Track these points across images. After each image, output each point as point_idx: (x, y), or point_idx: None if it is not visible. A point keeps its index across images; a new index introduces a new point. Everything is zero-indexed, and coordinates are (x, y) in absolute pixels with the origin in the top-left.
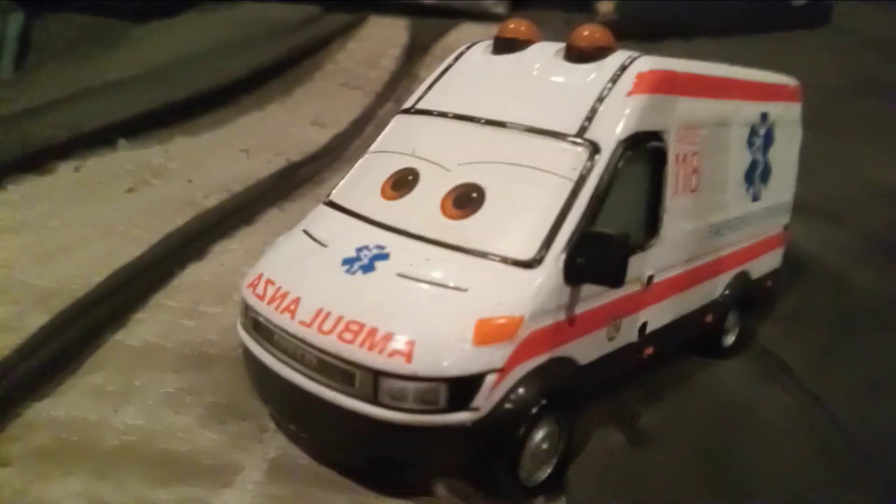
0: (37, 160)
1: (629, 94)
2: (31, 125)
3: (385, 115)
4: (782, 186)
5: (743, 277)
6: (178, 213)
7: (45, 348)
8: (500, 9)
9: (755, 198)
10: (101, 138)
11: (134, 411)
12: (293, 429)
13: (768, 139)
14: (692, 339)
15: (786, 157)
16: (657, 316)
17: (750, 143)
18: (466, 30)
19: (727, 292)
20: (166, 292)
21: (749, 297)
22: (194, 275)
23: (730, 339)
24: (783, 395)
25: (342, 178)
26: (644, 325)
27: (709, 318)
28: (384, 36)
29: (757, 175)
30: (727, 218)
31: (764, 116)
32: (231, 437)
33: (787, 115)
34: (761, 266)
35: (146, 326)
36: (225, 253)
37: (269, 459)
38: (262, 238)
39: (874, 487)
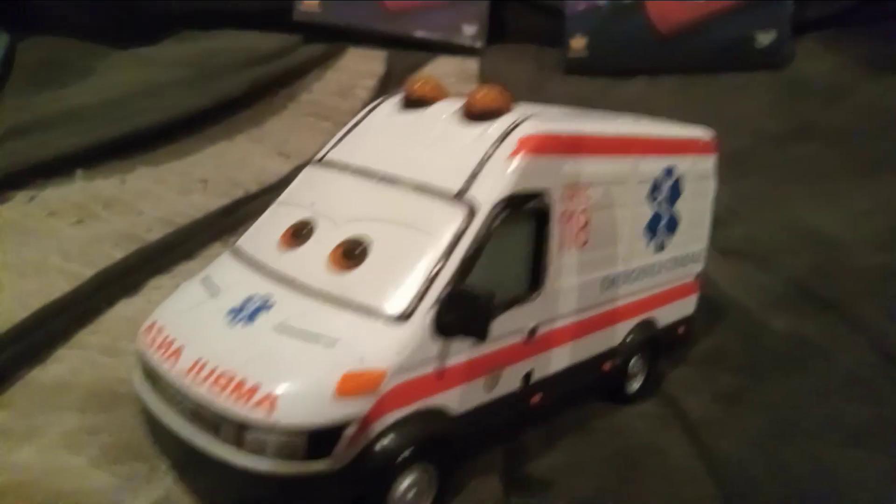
0: None
1: (510, 155)
2: None
3: None
4: (692, 237)
5: (647, 325)
6: (118, 246)
7: None
8: (476, 43)
9: (659, 248)
10: (60, 168)
11: (29, 450)
12: (180, 471)
13: (675, 192)
14: (594, 385)
15: (696, 208)
16: (543, 365)
17: (652, 198)
18: (442, 62)
19: (628, 340)
20: (91, 328)
21: (654, 343)
22: (122, 310)
23: (634, 386)
24: (679, 442)
25: (250, 226)
26: (528, 374)
27: (607, 366)
28: (360, 67)
29: (660, 228)
30: (623, 270)
31: (669, 171)
32: (121, 478)
33: (698, 168)
34: (669, 314)
35: (63, 364)
36: (156, 289)
37: (153, 500)
38: (198, 273)
39: None
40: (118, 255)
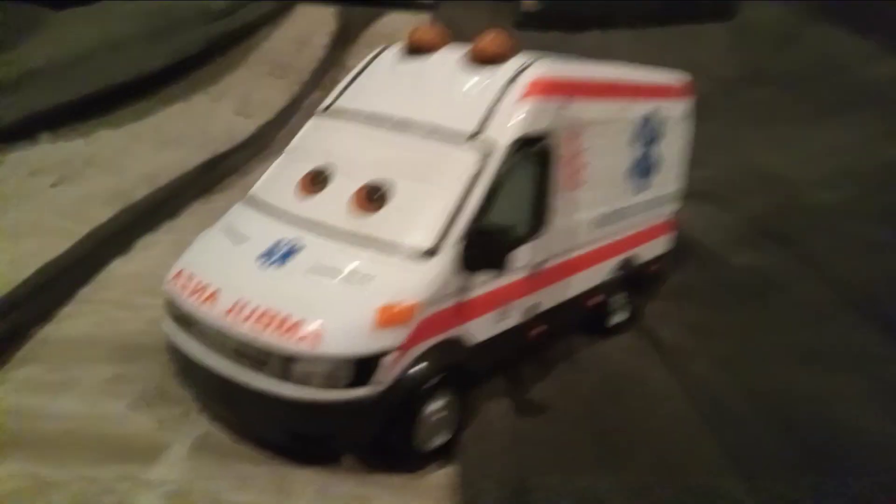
0: None
1: (521, 97)
2: None
3: (311, 105)
4: (669, 178)
5: (628, 263)
6: (105, 205)
7: None
8: None
9: (641, 189)
10: (23, 132)
11: (70, 398)
12: (216, 411)
13: (654, 135)
14: (582, 319)
15: (673, 150)
16: (545, 299)
17: (635, 140)
18: (394, 18)
19: (612, 277)
20: (98, 284)
21: (634, 280)
22: (123, 267)
23: (616, 319)
24: (655, 367)
25: (262, 175)
26: (532, 308)
27: (595, 300)
28: (312, 24)
29: (642, 169)
30: (611, 210)
31: (650, 114)
32: (159, 420)
33: (674, 112)
34: (647, 252)
35: (80, 319)
36: (150, 246)
37: (195, 437)
38: (187, 231)
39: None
40: (106, 214)
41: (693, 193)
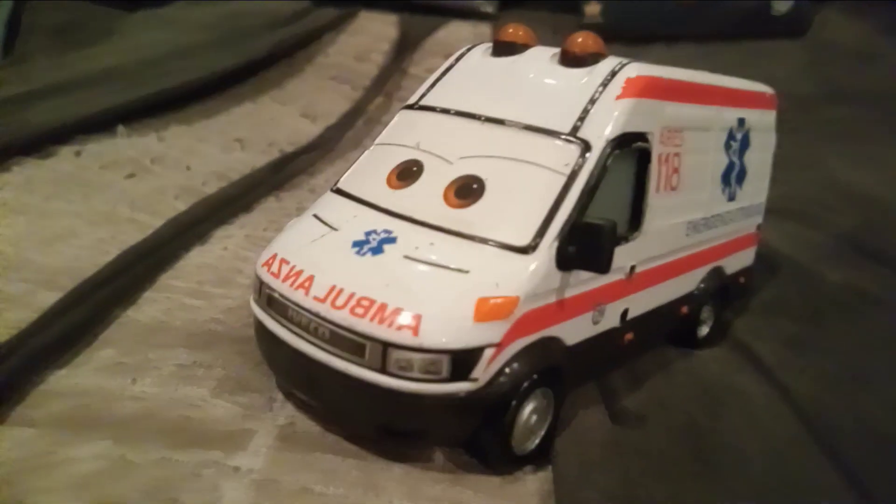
0: (38, 144)
1: (618, 97)
2: (30, 110)
3: (375, 110)
4: (756, 189)
5: (717, 272)
6: (178, 198)
7: (58, 323)
8: (489, 8)
9: (731, 198)
10: (100, 124)
11: (150, 381)
12: (304, 398)
13: (744, 143)
14: (670, 329)
15: (760, 161)
16: (637, 304)
17: (727, 147)
18: (455, 27)
19: (702, 286)
20: (173, 273)
21: (723, 291)
22: (198, 257)
23: (704, 331)
24: (757, 383)
25: (349, 167)
26: (625, 312)
27: (685, 310)
28: (374, 31)
29: (733, 177)
30: (704, 216)
31: (741, 122)
32: (242, 407)
33: (763, 122)
34: (735, 263)
35: (155, 305)
36: (227, 238)
37: (280, 426)
38: (261, 224)
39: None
40: (181, 206)
41: (774, 210)
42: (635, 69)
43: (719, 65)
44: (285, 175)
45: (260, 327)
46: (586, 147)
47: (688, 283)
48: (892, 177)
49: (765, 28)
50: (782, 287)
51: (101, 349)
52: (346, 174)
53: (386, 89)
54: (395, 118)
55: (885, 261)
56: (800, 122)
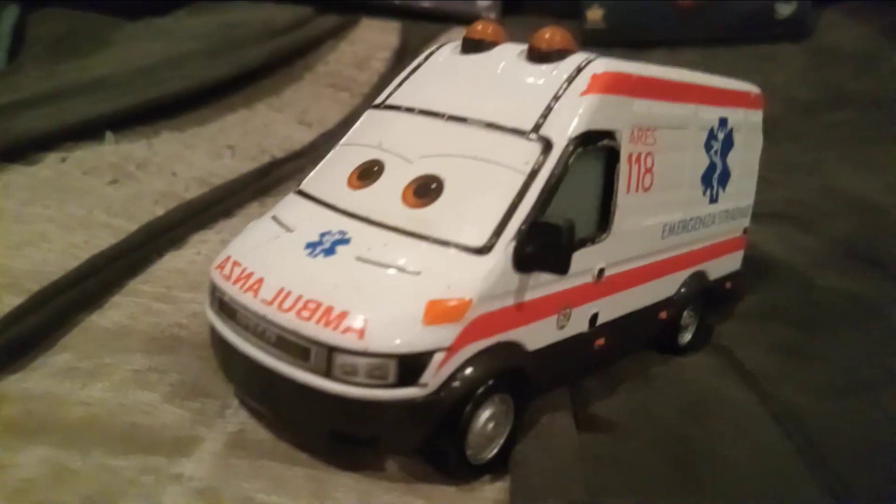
0: (22, 150)
1: (583, 93)
2: (18, 116)
3: None
4: (741, 191)
5: (699, 277)
6: (158, 204)
7: (16, 326)
8: (491, 14)
9: (712, 200)
10: (88, 131)
11: (101, 387)
12: (255, 405)
13: (727, 144)
14: (650, 334)
15: (746, 162)
16: (608, 308)
17: (708, 147)
18: (457, 34)
19: (682, 290)
20: (143, 277)
21: (706, 296)
22: (171, 262)
23: (686, 337)
24: (741, 389)
25: (314, 169)
26: (595, 317)
27: (664, 315)
28: (375, 39)
29: (714, 178)
30: (682, 218)
31: (723, 121)
32: (193, 413)
33: (748, 122)
34: (719, 267)
35: (120, 309)
36: (202, 243)
37: (229, 434)
38: (240, 229)
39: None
40: (159, 211)
41: (770, 214)
42: (602, 65)
43: (720, 69)
44: (271, 180)
45: (213, 333)
46: (548, 145)
47: (666, 287)
48: (889, 181)
49: (767, 31)
50: (775, 292)
51: (58, 354)
52: (308, 175)
53: None
54: (362, 118)
55: (879, 266)
56: (799, 126)
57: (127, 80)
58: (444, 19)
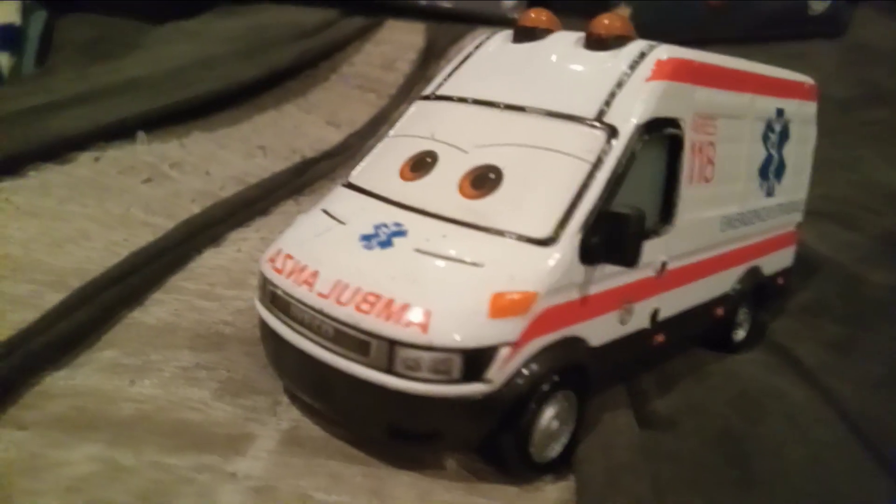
0: (57, 150)
1: (648, 80)
2: (52, 118)
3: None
4: (796, 184)
5: (755, 272)
6: (195, 202)
7: (61, 323)
8: (516, 14)
9: (769, 193)
10: (121, 131)
11: (149, 383)
12: (308, 400)
13: (783, 135)
14: (706, 330)
15: (800, 154)
16: (669, 304)
17: (765, 138)
18: (482, 34)
19: (738, 286)
20: (184, 275)
21: (760, 292)
22: (212, 259)
23: (741, 335)
24: (797, 386)
25: (361, 161)
26: (656, 312)
27: (720, 312)
28: (401, 40)
29: (771, 170)
30: (740, 211)
31: (780, 112)
32: (245, 410)
33: (803, 113)
34: (773, 263)
35: (163, 306)
36: (242, 241)
37: (283, 431)
38: (278, 228)
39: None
40: (196, 209)
41: (814, 212)
42: (666, 51)
43: None
44: (306, 180)
45: (264, 327)
46: (613, 132)
47: (723, 282)
48: None
49: (801, 29)
50: (822, 288)
51: (103, 350)
52: (357, 168)
53: (411, 97)
54: (411, 109)
55: None
56: (837, 124)
57: (158, 82)
58: (469, 20)
